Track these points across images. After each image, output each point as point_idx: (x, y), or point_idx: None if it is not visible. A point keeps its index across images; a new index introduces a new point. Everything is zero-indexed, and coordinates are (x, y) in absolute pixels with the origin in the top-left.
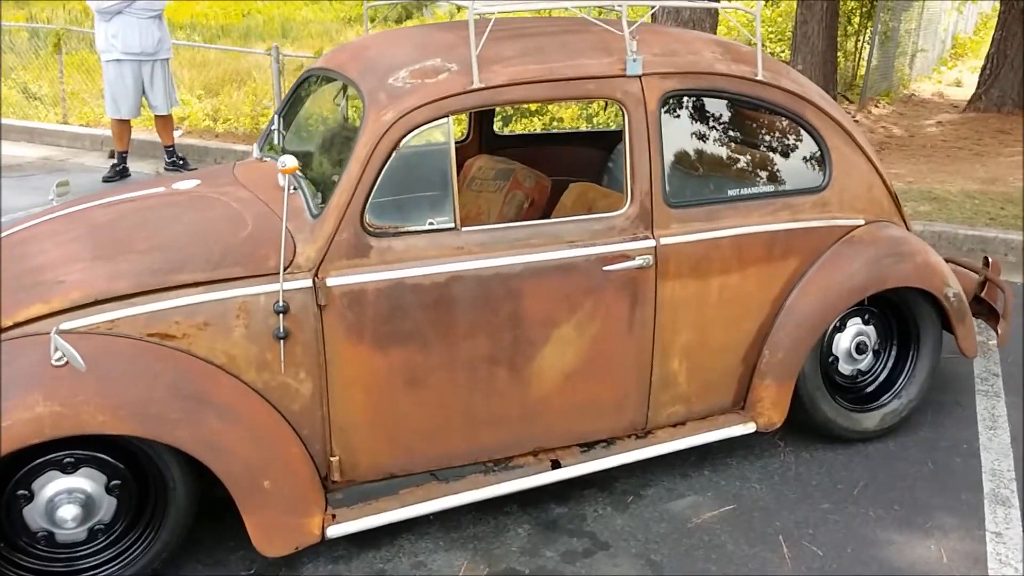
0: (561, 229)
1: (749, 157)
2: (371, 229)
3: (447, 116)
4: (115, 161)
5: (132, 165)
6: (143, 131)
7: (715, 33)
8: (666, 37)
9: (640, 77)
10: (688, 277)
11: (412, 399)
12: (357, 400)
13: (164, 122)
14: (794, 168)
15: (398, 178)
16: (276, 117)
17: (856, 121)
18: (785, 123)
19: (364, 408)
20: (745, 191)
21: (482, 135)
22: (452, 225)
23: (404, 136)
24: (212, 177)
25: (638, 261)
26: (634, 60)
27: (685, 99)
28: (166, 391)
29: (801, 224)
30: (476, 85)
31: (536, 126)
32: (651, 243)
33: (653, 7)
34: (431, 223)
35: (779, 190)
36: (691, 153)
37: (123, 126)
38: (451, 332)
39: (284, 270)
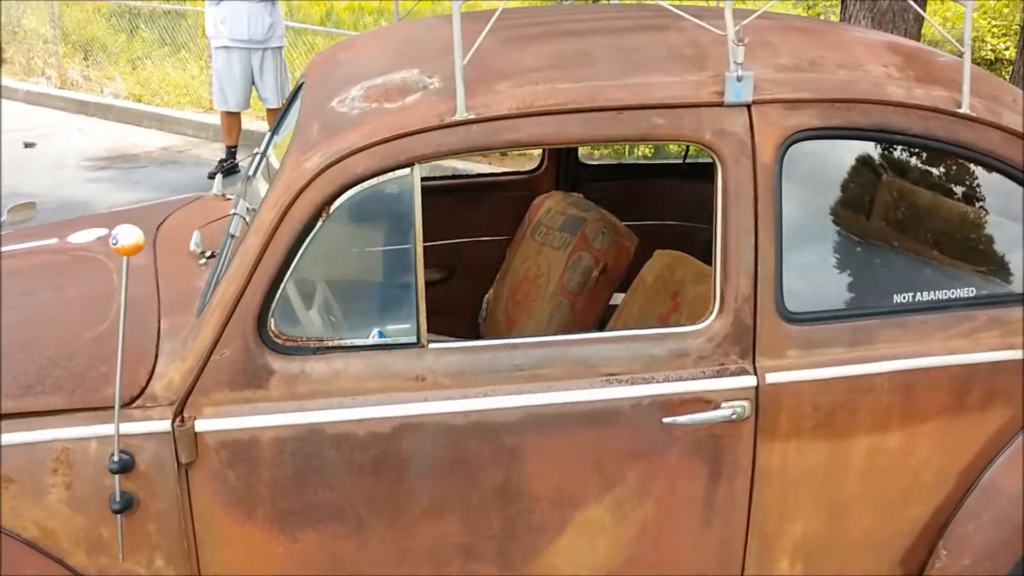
0: (594, 351)
1: (933, 240)
2: (276, 342)
3: (410, 166)
4: (223, 156)
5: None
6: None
7: (919, 29)
8: (804, 39)
9: (748, 107)
10: (814, 436)
11: None
12: None
13: (275, 116)
14: (1011, 263)
15: (327, 260)
16: (268, 137)
17: None
18: (1003, 186)
19: None
20: (923, 297)
21: (560, 162)
22: (413, 339)
23: (337, 195)
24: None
25: (725, 411)
26: (738, 79)
27: (827, 144)
28: None
29: (1018, 354)
30: (460, 116)
31: (644, 150)
32: (750, 381)
33: None
34: (378, 335)
35: (983, 297)
36: (830, 233)
37: (232, 118)
38: (402, 511)
39: (123, 404)
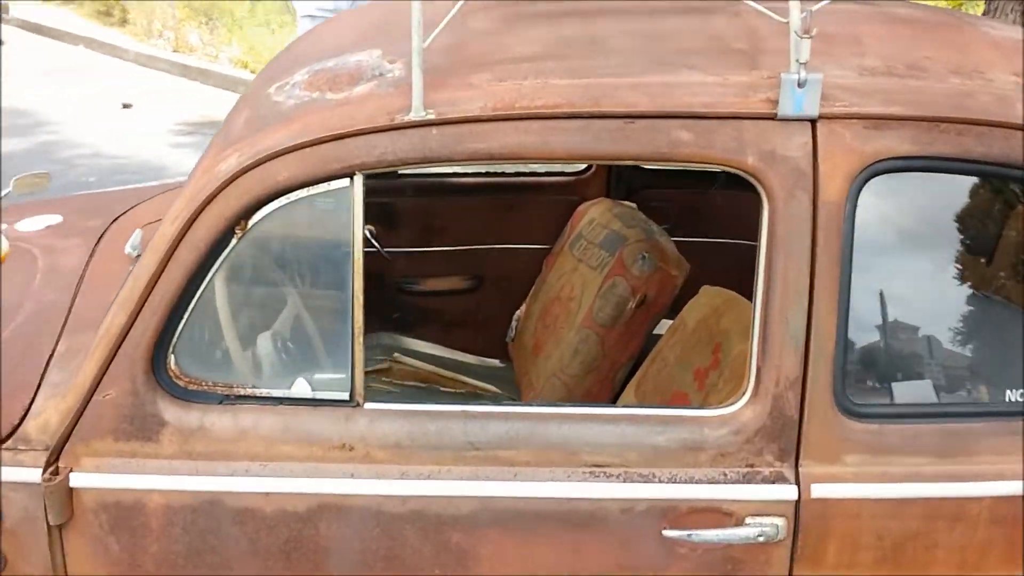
0: (578, 432)
1: None
2: (176, 385)
3: (348, 176)
4: None
5: None
6: None
7: None
8: (908, 33)
9: (813, 122)
10: (878, 570)
11: None
12: None
13: None
14: None
15: (243, 289)
16: None
17: None
18: None
19: None
20: None
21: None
22: (344, 395)
23: (254, 208)
24: (85, 213)
25: (750, 529)
26: (799, 83)
27: (923, 179)
28: None
29: None
30: (415, 115)
31: None
32: (789, 492)
33: None
34: (303, 384)
35: None
36: (918, 300)
37: None
38: None
39: None
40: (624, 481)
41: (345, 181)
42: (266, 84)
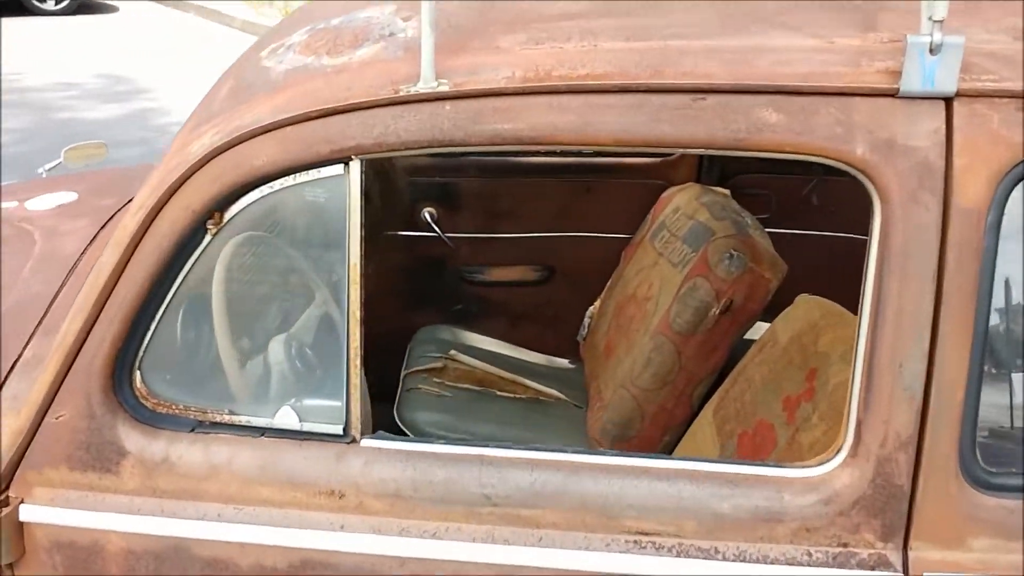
0: (621, 489)
1: None
2: (142, 407)
3: (342, 163)
4: None
5: None
6: None
7: None
8: None
9: (948, 101)
10: None
11: None
12: None
13: None
14: None
15: (221, 297)
16: None
17: None
18: None
19: None
20: None
21: None
22: (338, 428)
23: (229, 199)
24: (102, 191)
25: None
26: (931, 49)
27: None
28: None
29: None
30: (424, 86)
31: None
32: None
33: None
34: (289, 413)
35: None
36: None
37: None
38: None
39: None
40: (678, 555)
41: (338, 168)
42: (261, 47)
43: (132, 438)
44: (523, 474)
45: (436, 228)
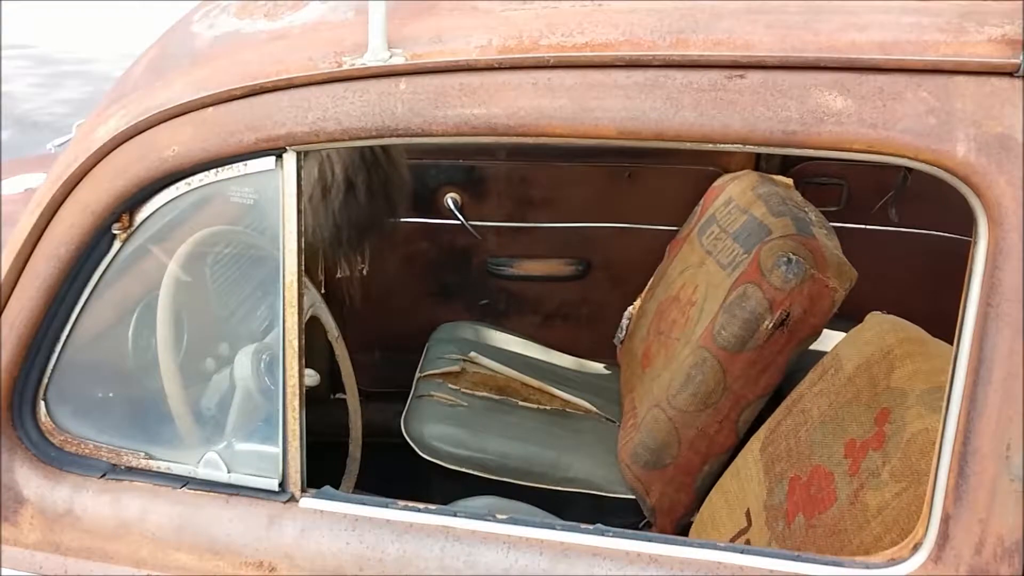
0: None
1: None
2: (43, 444)
3: (274, 155)
4: None
5: None
6: None
7: None
8: None
9: None
10: None
11: None
12: None
13: None
14: None
15: (138, 319)
16: None
17: None
18: None
19: None
20: None
21: None
22: (272, 483)
23: (139, 200)
24: None
25: None
26: None
27: None
28: None
29: None
30: (372, 59)
31: None
32: None
33: None
34: (215, 460)
35: None
36: None
37: None
38: None
39: None
40: None
41: (268, 162)
42: (195, 11)
43: (32, 482)
44: (497, 555)
45: (460, 216)
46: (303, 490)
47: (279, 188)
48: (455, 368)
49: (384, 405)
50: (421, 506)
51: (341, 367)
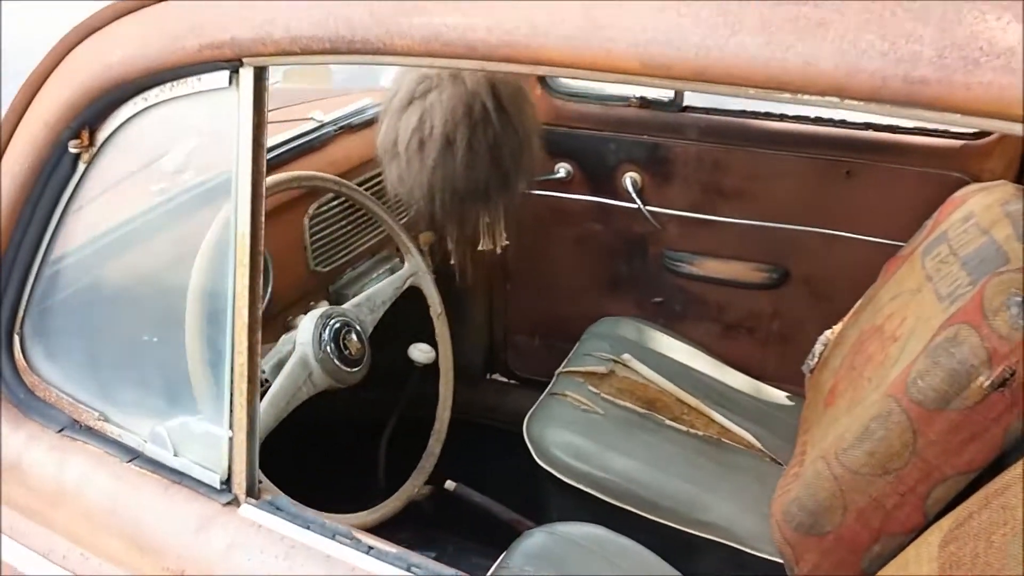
0: None
1: None
2: (14, 382)
3: (229, 67)
4: None
5: None
6: None
7: None
8: None
9: None
10: None
11: None
12: None
13: None
14: None
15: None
16: None
17: None
18: None
19: None
20: None
21: None
22: (214, 477)
23: (98, 115)
24: None
25: None
26: None
27: None
28: None
29: None
30: None
31: None
32: None
33: None
34: (161, 436)
35: None
36: None
37: None
38: None
39: None
40: None
41: (221, 77)
42: None
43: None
44: None
45: (637, 199)
46: (250, 493)
47: (235, 111)
48: (601, 369)
49: (534, 394)
50: (385, 546)
51: (439, 348)
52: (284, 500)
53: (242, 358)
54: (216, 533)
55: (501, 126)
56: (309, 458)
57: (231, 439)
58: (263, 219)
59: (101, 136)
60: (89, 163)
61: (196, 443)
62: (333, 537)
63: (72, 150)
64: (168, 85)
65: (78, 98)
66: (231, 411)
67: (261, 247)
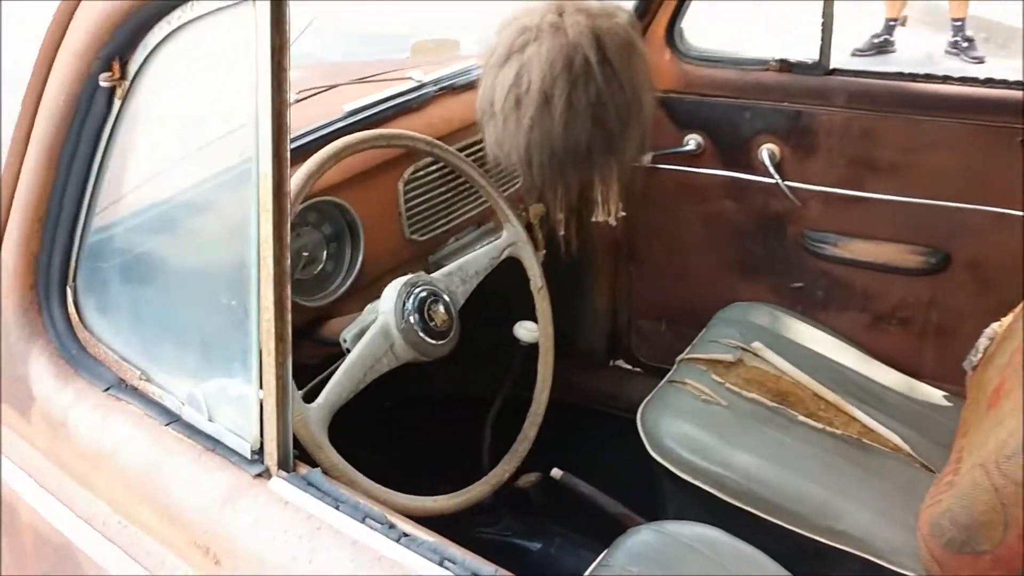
0: None
1: None
2: (68, 339)
3: None
4: (877, 31)
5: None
6: None
7: None
8: None
9: None
10: None
11: None
12: None
13: None
14: None
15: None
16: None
17: None
18: None
19: None
20: None
21: None
22: (244, 445)
23: (124, 46)
24: None
25: None
26: None
27: None
28: None
29: None
30: None
31: None
32: None
33: None
34: (198, 400)
35: None
36: None
37: None
38: None
39: None
40: None
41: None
42: None
43: (44, 380)
44: None
45: (776, 173)
46: (282, 466)
47: (254, 38)
48: (728, 357)
49: (658, 383)
50: (424, 535)
51: (540, 325)
52: (317, 475)
53: (268, 314)
54: (243, 507)
55: (605, 81)
56: (404, 435)
57: (261, 403)
58: (288, 157)
59: (132, 68)
60: (124, 99)
61: (231, 408)
62: (363, 520)
63: (103, 84)
64: (189, 4)
65: (102, 23)
66: (260, 374)
67: (287, 189)
